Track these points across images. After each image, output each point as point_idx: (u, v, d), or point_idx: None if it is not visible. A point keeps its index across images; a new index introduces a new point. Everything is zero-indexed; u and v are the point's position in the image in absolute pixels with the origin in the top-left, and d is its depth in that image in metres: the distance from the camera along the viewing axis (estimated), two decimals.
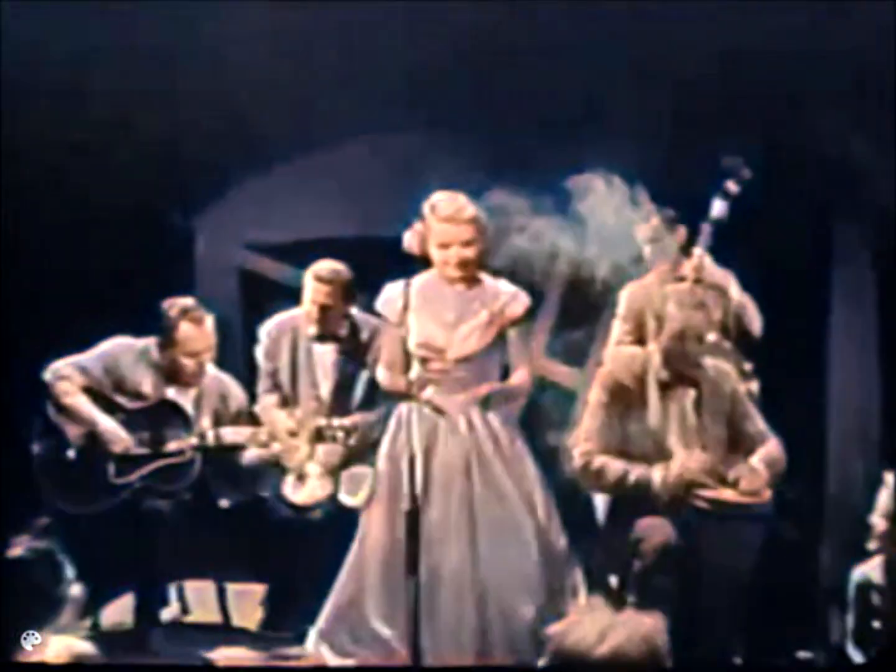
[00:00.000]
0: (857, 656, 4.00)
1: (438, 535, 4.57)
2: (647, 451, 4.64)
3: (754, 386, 5.24)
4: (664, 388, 4.68)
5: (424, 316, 4.75)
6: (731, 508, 4.54)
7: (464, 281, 4.79)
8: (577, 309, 6.02)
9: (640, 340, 5.46)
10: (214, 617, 5.55)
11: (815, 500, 5.57)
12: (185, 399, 5.35)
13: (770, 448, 4.70)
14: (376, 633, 4.65)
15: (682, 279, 5.22)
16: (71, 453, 5.21)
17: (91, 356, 5.31)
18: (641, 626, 2.51)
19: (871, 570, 4.62)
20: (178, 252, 6.21)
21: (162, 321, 5.27)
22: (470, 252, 4.73)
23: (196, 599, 5.62)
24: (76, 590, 3.44)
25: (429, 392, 4.67)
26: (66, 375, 5.21)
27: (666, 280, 5.37)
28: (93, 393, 5.26)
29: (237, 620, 5.53)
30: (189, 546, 5.23)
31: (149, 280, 5.73)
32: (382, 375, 4.89)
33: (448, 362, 4.73)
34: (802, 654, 4.59)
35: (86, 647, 3.52)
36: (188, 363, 5.28)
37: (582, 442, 4.66)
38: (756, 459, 4.65)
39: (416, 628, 4.22)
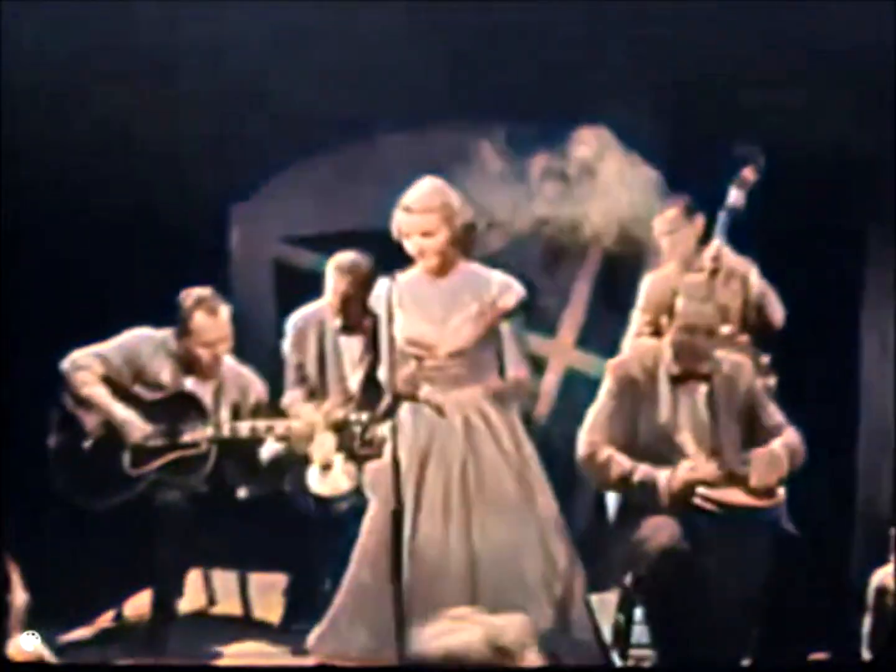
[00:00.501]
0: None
1: (433, 539, 4.45)
2: (655, 446, 4.50)
3: (772, 380, 5.09)
4: (675, 382, 4.53)
5: (411, 311, 4.60)
6: (738, 512, 4.39)
7: (437, 272, 4.61)
8: (610, 294, 5.95)
9: (659, 332, 5.34)
10: (236, 609, 5.54)
11: (841, 503, 5.38)
12: (203, 390, 5.32)
13: (788, 438, 4.52)
14: (366, 637, 4.54)
15: (700, 269, 5.12)
16: (87, 445, 5.20)
17: (111, 346, 5.28)
18: (491, 628, 2.41)
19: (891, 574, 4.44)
20: (213, 245, 6.20)
21: (178, 312, 5.25)
22: (431, 242, 4.55)
23: (222, 589, 5.62)
24: (20, 598, 3.41)
25: (425, 390, 4.54)
26: (84, 365, 5.20)
27: (685, 270, 5.29)
28: (112, 383, 5.24)
29: (259, 612, 5.50)
30: (207, 538, 5.18)
31: (183, 273, 5.70)
32: (382, 374, 4.71)
33: (440, 358, 4.57)
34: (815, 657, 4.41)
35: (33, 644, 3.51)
36: (204, 353, 5.24)
37: (589, 432, 4.54)
38: (778, 444, 4.48)
39: (401, 633, 4.10)
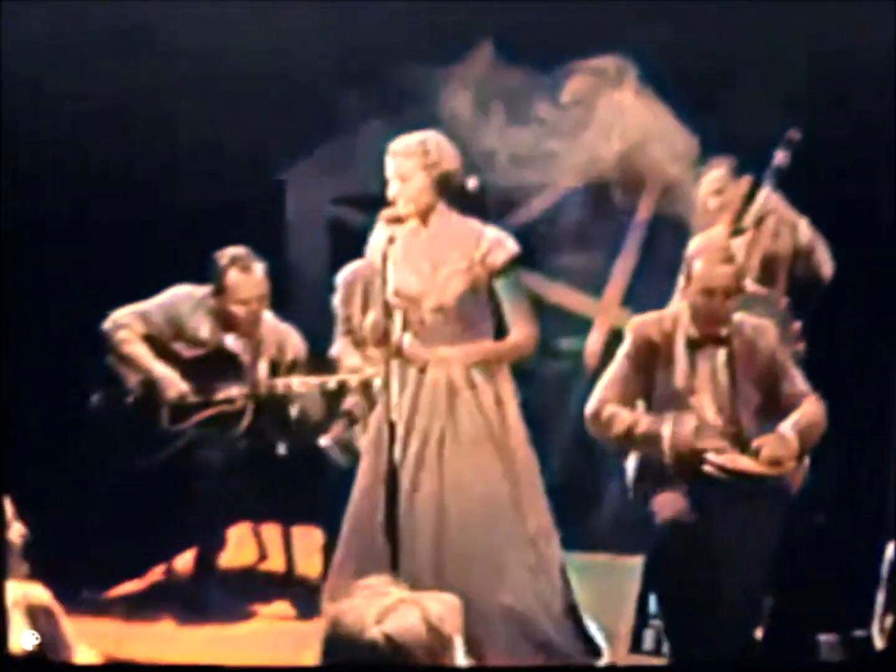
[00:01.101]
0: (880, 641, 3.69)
1: (407, 498, 4.34)
2: (669, 409, 4.39)
3: (801, 346, 4.98)
4: (693, 346, 4.43)
5: (401, 263, 4.45)
6: (746, 479, 4.27)
7: (418, 220, 4.48)
8: (657, 253, 5.86)
9: None
10: (280, 565, 5.59)
11: (873, 472, 5.22)
12: (242, 347, 5.36)
13: (807, 411, 4.39)
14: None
15: (741, 231, 5.05)
16: (128, 402, 5.28)
17: (152, 304, 5.34)
18: (428, 610, 2.35)
19: None
20: (270, 207, 6.23)
21: (214, 270, 5.29)
22: (405, 187, 4.43)
23: (271, 545, 5.67)
24: (15, 532, 3.46)
25: (406, 342, 4.43)
26: (125, 324, 5.27)
27: (732, 231, 5.25)
28: (152, 341, 5.31)
29: (300, 567, 5.53)
30: (246, 494, 5.23)
31: (242, 234, 5.73)
32: (366, 327, 4.66)
33: (425, 312, 4.45)
34: (825, 638, 4.29)
35: (41, 594, 3.55)
36: (239, 311, 5.27)
37: (599, 391, 4.46)
38: (788, 424, 4.34)
39: None
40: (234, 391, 5.25)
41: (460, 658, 2.36)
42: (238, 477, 5.16)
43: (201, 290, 5.36)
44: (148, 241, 5.67)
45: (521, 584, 4.37)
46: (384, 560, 4.11)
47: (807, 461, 4.41)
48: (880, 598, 4.01)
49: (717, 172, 5.31)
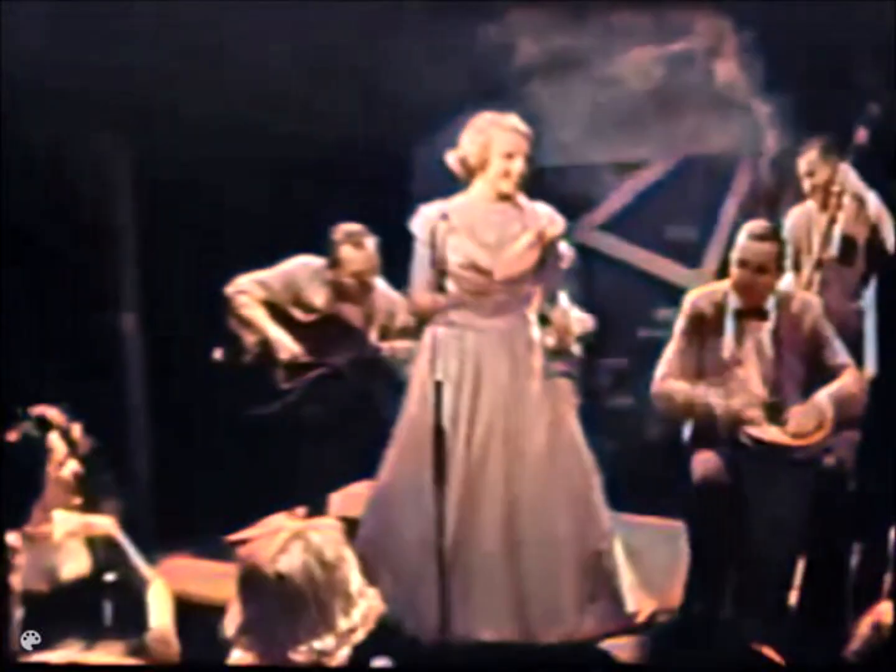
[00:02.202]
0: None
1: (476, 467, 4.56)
2: (720, 379, 4.53)
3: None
4: (740, 317, 4.54)
5: (464, 237, 4.69)
6: (773, 449, 4.38)
7: (509, 198, 4.71)
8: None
9: (798, 267, 5.37)
10: None
11: None
12: (354, 314, 5.71)
13: (845, 382, 4.47)
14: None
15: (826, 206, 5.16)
16: (247, 360, 5.69)
17: (272, 272, 5.70)
18: (310, 541, 2.60)
19: None
20: (399, 185, 6.51)
21: (330, 244, 5.63)
22: (525, 166, 4.68)
23: None
24: (69, 468, 3.83)
25: (462, 313, 4.66)
26: (246, 289, 5.66)
27: (822, 208, 5.34)
28: (271, 306, 5.70)
29: None
30: (350, 453, 5.52)
31: (369, 211, 6.04)
32: (413, 295, 4.87)
33: (494, 283, 4.68)
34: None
35: (106, 524, 3.95)
36: (351, 282, 5.60)
37: (660, 367, 4.62)
38: (824, 393, 4.43)
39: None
40: (344, 354, 5.62)
41: (355, 579, 2.63)
42: (341, 436, 5.51)
43: (318, 262, 5.70)
44: (279, 213, 6.04)
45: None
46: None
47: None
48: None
49: (810, 154, 5.40)
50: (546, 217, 4.78)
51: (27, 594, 3.61)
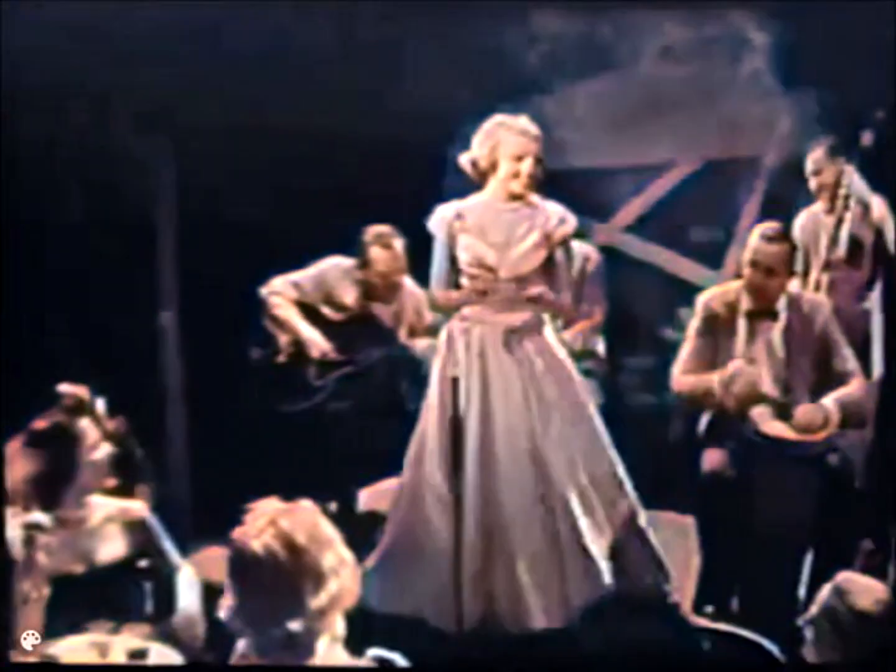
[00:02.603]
0: None
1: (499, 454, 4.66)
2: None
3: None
4: (751, 317, 4.62)
5: (475, 236, 4.81)
6: (778, 443, 4.47)
7: (522, 199, 4.81)
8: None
9: (807, 268, 5.44)
10: None
11: None
12: (384, 313, 5.86)
13: (853, 389, 4.55)
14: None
15: (832, 210, 5.21)
16: (281, 358, 5.87)
17: (305, 273, 5.86)
18: (280, 525, 2.74)
19: None
20: (429, 183, 6.63)
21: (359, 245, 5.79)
22: (538, 168, 4.77)
23: None
24: (101, 453, 3.98)
25: (475, 309, 4.77)
26: (279, 290, 5.82)
27: (829, 209, 5.40)
28: (304, 306, 5.85)
29: None
30: (380, 449, 5.60)
31: (400, 211, 6.14)
32: (432, 291, 4.98)
33: (500, 281, 4.78)
34: None
35: (140, 508, 4.11)
36: (380, 282, 5.76)
37: (677, 365, 4.75)
38: (831, 398, 4.52)
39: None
40: (373, 352, 5.77)
41: (329, 560, 2.76)
42: (371, 431, 5.64)
43: (349, 262, 5.86)
44: (312, 216, 6.12)
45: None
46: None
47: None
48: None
49: (816, 153, 5.45)
50: (556, 217, 4.86)
51: (58, 575, 3.77)
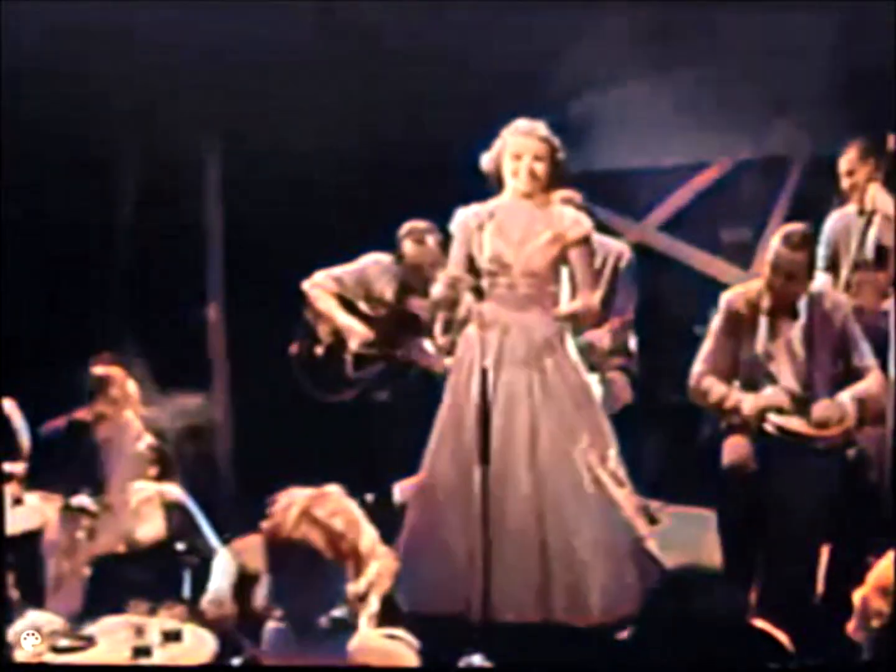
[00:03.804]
0: None
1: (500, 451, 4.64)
2: (753, 375, 4.64)
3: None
4: (772, 316, 4.65)
5: (494, 234, 4.86)
6: (795, 438, 4.49)
7: (532, 197, 4.84)
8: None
9: (836, 267, 5.45)
10: None
11: None
12: (421, 308, 5.93)
13: (868, 384, 4.56)
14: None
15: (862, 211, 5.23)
16: (320, 351, 5.96)
17: (346, 268, 5.95)
18: (315, 514, 2.80)
19: None
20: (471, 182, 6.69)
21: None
22: (540, 166, 4.80)
23: None
24: (144, 442, 4.09)
25: (490, 306, 4.79)
26: (320, 284, 5.92)
27: (861, 210, 5.41)
28: (344, 301, 5.93)
29: None
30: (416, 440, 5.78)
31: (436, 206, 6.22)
32: (436, 290, 4.93)
33: (514, 277, 4.83)
34: None
35: (177, 492, 4.21)
36: (415, 276, 5.83)
37: (697, 364, 4.76)
38: (847, 393, 4.54)
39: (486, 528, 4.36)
40: (410, 345, 5.85)
41: (367, 541, 2.81)
42: (409, 424, 5.71)
43: (388, 258, 5.96)
44: (356, 211, 6.19)
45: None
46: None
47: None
48: None
49: (850, 153, 5.44)
50: (569, 220, 4.91)
51: (100, 557, 3.88)
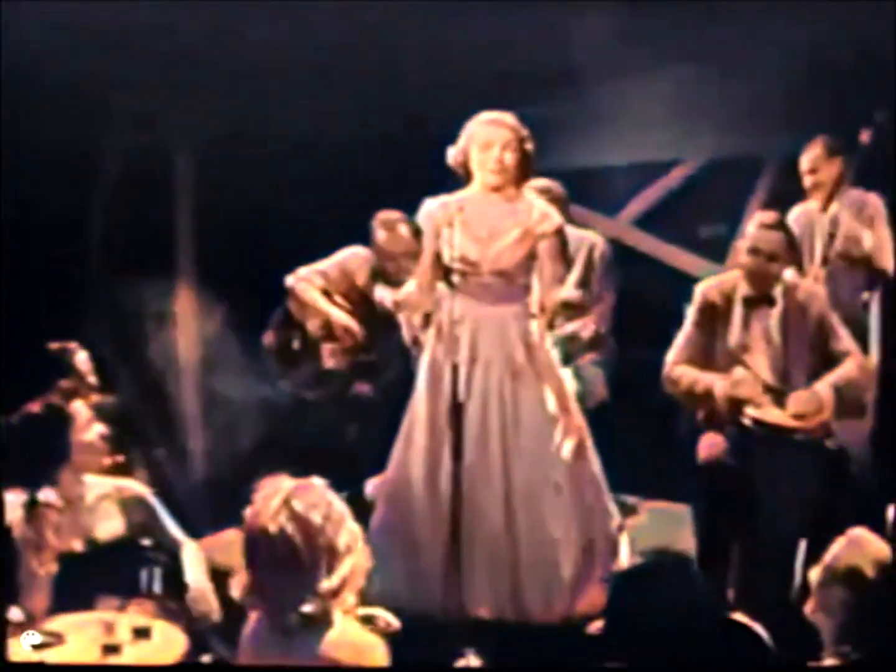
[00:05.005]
0: None
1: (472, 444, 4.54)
2: (729, 365, 4.55)
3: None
4: (748, 305, 4.56)
5: (459, 230, 4.69)
6: (774, 430, 4.39)
7: (501, 190, 4.68)
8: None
9: (798, 263, 5.38)
10: None
11: None
12: (383, 299, 5.79)
13: (847, 368, 4.47)
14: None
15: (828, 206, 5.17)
16: (296, 344, 5.83)
17: (328, 262, 5.81)
18: (293, 507, 2.70)
19: None
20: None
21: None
22: (509, 156, 4.62)
23: None
24: (94, 431, 3.95)
25: (462, 301, 4.68)
26: (305, 278, 5.78)
27: (825, 207, 5.35)
28: (328, 295, 5.78)
29: None
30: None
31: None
32: (407, 286, 4.90)
33: (483, 275, 4.70)
34: None
35: (137, 487, 4.07)
36: (390, 265, 5.72)
37: (670, 354, 4.66)
38: (823, 381, 4.46)
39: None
40: (389, 340, 5.73)
41: (344, 537, 2.71)
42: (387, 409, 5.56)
43: (366, 251, 5.82)
44: (335, 206, 6.08)
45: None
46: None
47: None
48: None
49: (812, 151, 5.36)
50: (538, 213, 4.75)
51: (63, 553, 3.75)
